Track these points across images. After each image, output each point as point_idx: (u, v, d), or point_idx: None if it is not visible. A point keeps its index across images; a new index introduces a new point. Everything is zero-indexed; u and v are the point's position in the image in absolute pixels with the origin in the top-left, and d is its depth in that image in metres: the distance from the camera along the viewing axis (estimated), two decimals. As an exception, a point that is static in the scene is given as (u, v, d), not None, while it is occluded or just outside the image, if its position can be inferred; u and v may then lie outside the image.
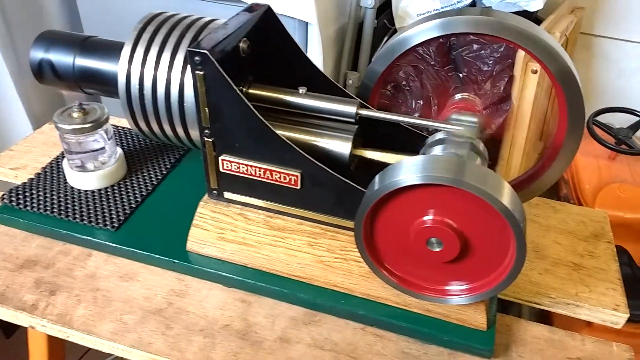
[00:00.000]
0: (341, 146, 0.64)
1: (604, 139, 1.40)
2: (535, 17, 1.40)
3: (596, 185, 1.35)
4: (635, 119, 1.44)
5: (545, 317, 1.09)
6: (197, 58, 0.58)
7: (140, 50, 0.66)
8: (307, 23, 1.20)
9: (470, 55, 1.33)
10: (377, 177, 0.57)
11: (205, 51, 0.57)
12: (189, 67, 0.60)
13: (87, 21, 1.44)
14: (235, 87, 0.59)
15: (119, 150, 0.83)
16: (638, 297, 1.13)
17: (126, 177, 0.82)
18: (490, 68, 1.31)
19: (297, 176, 0.63)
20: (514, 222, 0.51)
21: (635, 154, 1.39)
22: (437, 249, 0.56)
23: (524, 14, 1.34)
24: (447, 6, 1.40)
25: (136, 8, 1.30)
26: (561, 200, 1.44)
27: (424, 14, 1.42)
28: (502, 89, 1.30)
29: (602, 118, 1.46)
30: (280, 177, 0.64)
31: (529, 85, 1.29)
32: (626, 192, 1.29)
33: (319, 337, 0.63)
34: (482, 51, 1.32)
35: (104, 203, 0.78)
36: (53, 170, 0.83)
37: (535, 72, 1.27)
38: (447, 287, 0.59)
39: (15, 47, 1.36)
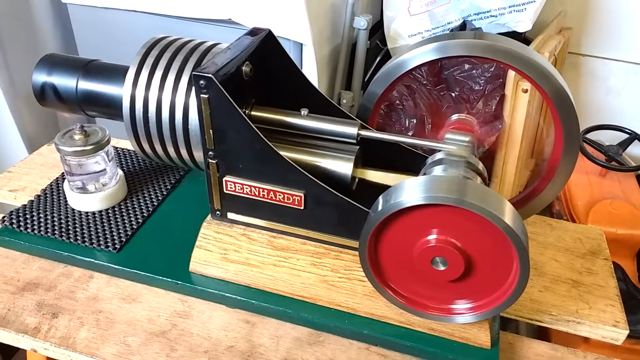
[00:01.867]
0: (343, 167, 0.65)
1: (595, 156, 1.42)
2: (523, 38, 1.43)
3: (588, 201, 1.37)
4: (625, 136, 1.47)
5: (543, 333, 1.09)
6: (201, 82, 0.59)
7: (144, 74, 0.67)
8: (302, 44, 1.22)
9: (462, 75, 1.36)
10: (380, 198, 0.57)
11: (210, 75, 0.58)
12: (193, 90, 0.61)
13: (82, 42, 1.44)
14: (239, 109, 0.60)
15: (120, 171, 0.83)
16: (633, 312, 1.15)
17: (127, 198, 0.83)
18: (481, 87, 1.33)
19: (300, 196, 0.63)
20: (517, 240, 0.52)
21: (625, 170, 1.42)
22: (442, 268, 0.56)
23: (513, 34, 1.37)
24: (437, 27, 1.43)
25: (131, 30, 1.32)
26: (554, 217, 1.46)
27: (415, 34, 1.45)
28: (494, 107, 1.33)
29: (591, 135, 1.49)
30: (283, 198, 0.64)
31: (520, 104, 1.32)
32: (618, 209, 1.32)
33: (323, 358, 0.64)
34: (474, 71, 1.34)
35: (105, 224, 0.78)
36: (53, 192, 0.83)
37: (525, 91, 1.29)
38: (452, 306, 0.60)
39: (9, 68, 1.36)
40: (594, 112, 1.67)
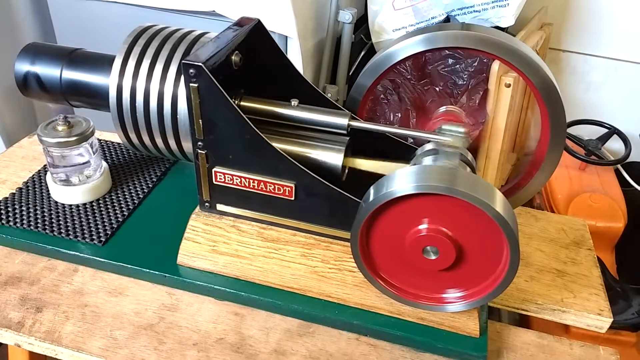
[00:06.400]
0: (333, 157, 0.65)
1: (575, 150, 1.44)
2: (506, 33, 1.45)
3: (568, 195, 1.39)
4: (604, 130, 1.50)
5: (524, 323, 1.11)
6: (191, 70, 0.58)
7: (131, 63, 0.66)
8: (286, 37, 1.21)
9: (446, 69, 1.36)
10: (371, 188, 0.57)
11: (200, 63, 0.58)
12: (182, 79, 0.60)
13: (61, 33, 1.41)
14: (229, 99, 0.59)
15: (104, 163, 0.82)
16: (612, 303, 1.17)
17: (111, 191, 0.81)
18: (465, 82, 1.34)
19: (291, 187, 0.63)
20: (507, 227, 0.53)
21: (604, 164, 1.44)
22: (433, 257, 0.57)
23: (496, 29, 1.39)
24: (421, 22, 1.44)
25: (112, 21, 1.30)
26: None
27: (399, 29, 1.45)
28: (477, 102, 1.34)
29: (572, 130, 1.51)
30: (274, 189, 0.64)
31: (502, 98, 1.33)
32: (597, 202, 1.34)
33: (314, 349, 0.63)
34: (457, 65, 1.35)
35: (89, 217, 0.76)
36: (35, 185, 0.82)
37: (508, 85, 1.30)
38: (443, 295, 0.60)
39: (-14, 60, 1.33)
40: (574, 107, 1.69)
